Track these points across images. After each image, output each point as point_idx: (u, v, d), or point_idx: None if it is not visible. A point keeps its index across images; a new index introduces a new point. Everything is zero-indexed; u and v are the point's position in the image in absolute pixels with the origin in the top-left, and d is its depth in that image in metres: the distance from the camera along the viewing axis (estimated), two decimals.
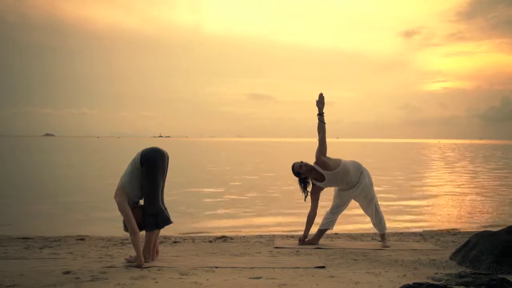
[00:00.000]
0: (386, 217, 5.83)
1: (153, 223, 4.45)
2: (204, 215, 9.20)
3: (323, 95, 5.60)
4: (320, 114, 5.54)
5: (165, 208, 4.57)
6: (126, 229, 4.50)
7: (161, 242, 5.90)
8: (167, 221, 4.52)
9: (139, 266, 4.30)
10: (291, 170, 5.62)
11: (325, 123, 5.54)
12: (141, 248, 4.41)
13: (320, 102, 5.58)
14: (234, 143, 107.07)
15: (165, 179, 4.57)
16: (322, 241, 5.74)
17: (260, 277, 3.89)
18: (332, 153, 5.89)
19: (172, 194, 11.07)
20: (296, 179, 5.62)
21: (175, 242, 5.99)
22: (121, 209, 4.38)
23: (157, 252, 4.72)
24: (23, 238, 6.41)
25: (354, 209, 7.12)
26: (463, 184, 16.19)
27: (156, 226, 4.48)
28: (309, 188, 5.59)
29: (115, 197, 4.44)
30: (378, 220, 5.61)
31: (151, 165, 4.42)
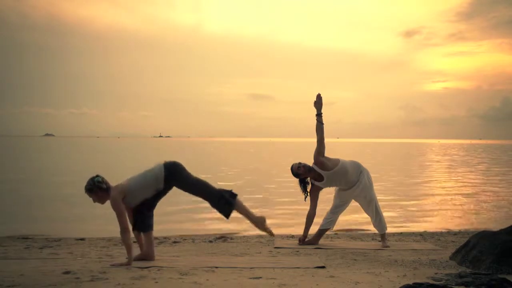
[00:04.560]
0: (386, 217, 5.83)
1: (226, 208, 4.42)
2: (204, 215, 9.19)
3: (321, 95, 5.63)
4: (318, 115, 5.55)
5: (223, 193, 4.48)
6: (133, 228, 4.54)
7: (161, 242, 5.91)
8: (232, 196, 4.44)
9: (128, 265, 4.31)
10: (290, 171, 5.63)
11: (323, 124, 5.56)
12: (132, 247, 4.41)
13: (318, 103, 5.60)
14: (236, 144, 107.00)
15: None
16: (322, 241, 5.74)
17: (260, 277, 3.89)
18: (333, 153, 5.90)
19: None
20: (296, 179, 5.63)
21: (175, 242, 6.00)
22: (115, 206, 4.36)
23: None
24: (23, 238, 6.42)
25: (354, 209, 7.12)
26: (463, 184, 16.19)
27: (230, 208, 4.43)
28: (309, 188, 5.60)
29: (112, 190, 4.42)
30: (378, 220, 5.61)
31: (177, 176, 4.43)
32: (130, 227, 4.47)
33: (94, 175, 4.49)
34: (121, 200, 4.39)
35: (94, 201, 4.50)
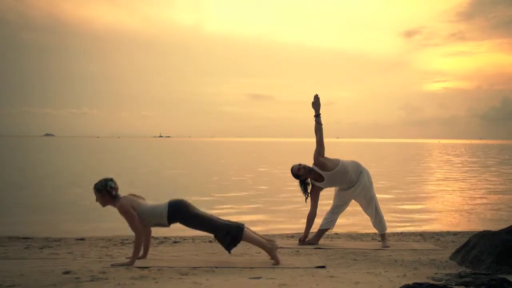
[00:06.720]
0: (386, 217, 5.83)
1: (231, 242, 4.41)
2: None
3: (318, 96, 5.63)
4: (317, 116, 5.56)
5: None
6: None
7: (161, 242, 5.91)
8: (239, 231, 4.41)
9: (130, 265, 4.33)
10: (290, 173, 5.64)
11: (321, 124, 5.56)
12: (139, 250, 4.44)
13: (316, 104, 5.60)
14: (239, 144, 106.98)
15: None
16: (322, 241, 5.74)
17: (260, 277, 3.89)
18: (333, 153, 5.90)
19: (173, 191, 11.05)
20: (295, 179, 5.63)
21: (175, 242, 6.00)
22: (126, 212, 4.39)
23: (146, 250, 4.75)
24: (23, 238, 6.41)
25: (354, 209, 7.11)
26: (463, 184, 16.19)
27: (236, 242, 4.42)
28: (309, 189, 5.60)
29: (120, 199, 4.44)
30: (378, 220, 5.61)
31: (181, 215, 4.45)
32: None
33: (109, 177, 4.49)
34: (130, 207, 4.40)
35: (97, 200, 4.52)
